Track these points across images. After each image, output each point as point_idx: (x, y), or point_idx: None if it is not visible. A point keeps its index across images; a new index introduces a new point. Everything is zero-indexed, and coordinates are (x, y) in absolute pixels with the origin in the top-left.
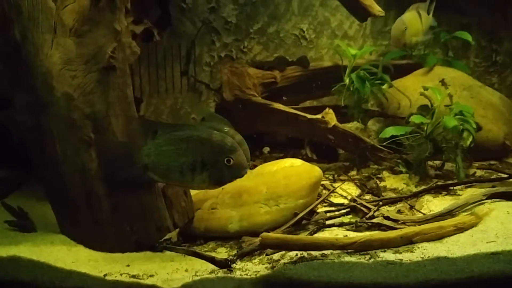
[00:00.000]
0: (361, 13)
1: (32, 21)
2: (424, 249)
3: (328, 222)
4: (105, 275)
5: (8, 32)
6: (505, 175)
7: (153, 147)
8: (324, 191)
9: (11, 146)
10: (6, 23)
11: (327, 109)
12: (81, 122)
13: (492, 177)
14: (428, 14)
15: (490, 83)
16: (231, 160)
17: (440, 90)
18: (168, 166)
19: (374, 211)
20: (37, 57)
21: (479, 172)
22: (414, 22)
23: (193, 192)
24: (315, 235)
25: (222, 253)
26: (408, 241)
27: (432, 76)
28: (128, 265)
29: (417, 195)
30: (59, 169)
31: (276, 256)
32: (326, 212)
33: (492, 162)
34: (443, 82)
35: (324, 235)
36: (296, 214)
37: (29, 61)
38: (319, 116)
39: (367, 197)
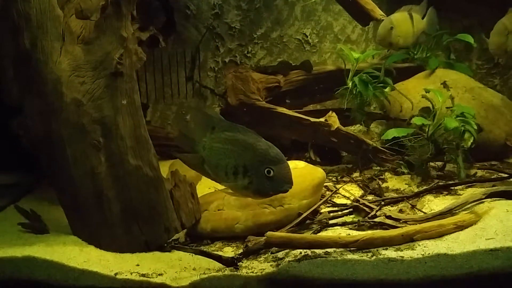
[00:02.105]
0: (364, 17)
1: (41, 29)
2: (424, 247)
3: (331, 221)
4: (116, 274)
5: (17, 39)
6: (506, 175)
7: (208, 141)
8: (327, 192)
9: (22, 151)
10: (15, 31)
11: (330, 112)
12: (90, 127)
13: (492, 177)
14: (423, 18)
15: (492, 85)
16: (272, 171)
17: (441, 92)
18: (217, 163)
19: (376, 211)
20: (46, 64)
21: (480, 173)
22: (403, 22)
23: (200, 193)
24: (319, 234)
25: (228, 252)
26: (409, 239)
27: (434, 79)
28: (137, 265)
29: (419, 195)
30: (70, 173)
31: (280, 254)
32: (330, 212)
33: (493, 162)
34: (444, 85)
35: (327, 234)
36: (300, 214)
37: (38, 68)
38: (322, 119)
39: (370, 197)
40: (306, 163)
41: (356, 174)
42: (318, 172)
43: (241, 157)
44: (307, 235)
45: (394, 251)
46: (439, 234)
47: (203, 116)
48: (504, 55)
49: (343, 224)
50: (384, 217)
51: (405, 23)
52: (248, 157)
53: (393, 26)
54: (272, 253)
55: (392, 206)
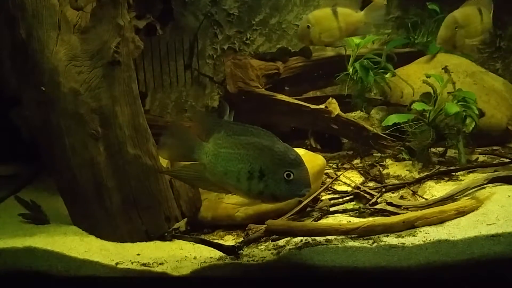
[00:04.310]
0: (363, 2)
1: (36, 18)
2: (426, 233)
3: (332, 209)
4: (116, 263)
5: (13, 30)
6: (507, 160)
7: (213, 146)
8: (328, 179)
9: (22, 142)
10: (11, 21)
11: (330, 99)
12: (88, 116)
13: (494, 162)
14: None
15: (494, 69)
16: (291, 174)
17: (442, 77)
18: (226, 169)
19: (377, 198)
20: (43, 54)
21: (481, 158)
22: (324, 19)
23: None
24: (319, 221)
25: (229, 240)
26: (410, 226)
27: (435, 64)
28: (138, 254)
29: (420, 181)
30: (69, 163)
31: (281, 242)
32: (330, 199)
33: (495, 147)
34: (445, 69)
35: (328, 221)
36: (300, 202)
37: (35, 58)
38: (322, 106)
39: (371, 184)
40: (306, 151)
41: (356, 161)
42: (318, 160)
43: (257, 161)
44: (308, 222)
45: (395, 237)
46: (440, 220)
47: (205, 119)
48: (452, 50)
49: (344, 211)
50: (385, 203)
51: (327, 20)
52: (266, 160)
53: (310, 25)
54: (273, 241)
55: (393, 193)
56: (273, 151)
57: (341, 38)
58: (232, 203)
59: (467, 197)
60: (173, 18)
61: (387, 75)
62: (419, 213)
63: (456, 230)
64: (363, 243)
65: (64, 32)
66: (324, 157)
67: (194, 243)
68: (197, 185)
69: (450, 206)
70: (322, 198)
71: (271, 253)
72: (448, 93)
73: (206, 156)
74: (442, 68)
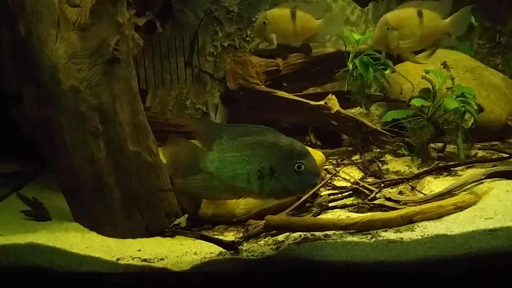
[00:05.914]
0: None
1: (35, 16)
2: (424, 228)
3: (331, 204)
4: (118, 259)
5: (13, 27)
6: (506, 155)
7: (217, 153)
8: (327, 175)
9: (23, 140)
10: (10, 18)
11: (330, 95)
12: (88, 113)
13: (493, 157)
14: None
15: (494, 64)
16: (302, 166)
17: (441, 73)
18: (234, 173)
19: (376, 193)
20: (42, 51)
21: (481, 153)
22: (281, 19)
23: None
24: (318, 216)
25: (229, 236)
26: (409, 221)
27: (434, 59)
28: (139, 250)
29: (419, 176)
30: (69, 160)
31: (280, 237)
32: (329, 194)
33: (494, 142)
34: (444, 65)
35: (327, 216)
36: (299, 197)
37: (35, 56)
38: (322, 102)
39: (370, 179)
40: (306, 147)
41: (356, 157)
42: (317, 155)
43: (266, 159)
44: (307, 218)
45: (394, 232)
46: (438, 215)
47: (205, 127)
48: (385, 50)
49: (343, 206)
50: (383, 199)
51: (283, 20)
52: (274, 157)
53: (266, 22)
54: (272, 236)
55: (392, 188)
56: (280, 146)
57: (296, 42)
58: (244, 209)
59: (465, 192)
60: (172, 15)
61: (387, 71)
62: (417, 208)
63: (454, 225)
64: (362, 238)
65: (64, 29)
66: (323, 153)
67: (194, 238)
68: (206, 196)
69: (449, 201)
70: (321, 193)
71: (271, 248)
72: (447, 88)
73: (212, 164)
74: (441, 64)
